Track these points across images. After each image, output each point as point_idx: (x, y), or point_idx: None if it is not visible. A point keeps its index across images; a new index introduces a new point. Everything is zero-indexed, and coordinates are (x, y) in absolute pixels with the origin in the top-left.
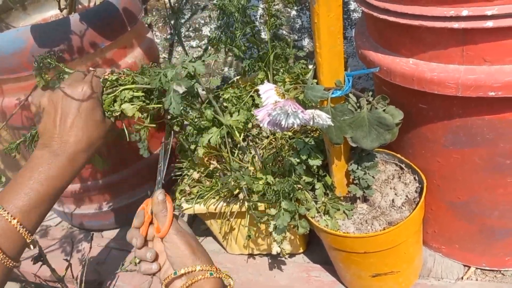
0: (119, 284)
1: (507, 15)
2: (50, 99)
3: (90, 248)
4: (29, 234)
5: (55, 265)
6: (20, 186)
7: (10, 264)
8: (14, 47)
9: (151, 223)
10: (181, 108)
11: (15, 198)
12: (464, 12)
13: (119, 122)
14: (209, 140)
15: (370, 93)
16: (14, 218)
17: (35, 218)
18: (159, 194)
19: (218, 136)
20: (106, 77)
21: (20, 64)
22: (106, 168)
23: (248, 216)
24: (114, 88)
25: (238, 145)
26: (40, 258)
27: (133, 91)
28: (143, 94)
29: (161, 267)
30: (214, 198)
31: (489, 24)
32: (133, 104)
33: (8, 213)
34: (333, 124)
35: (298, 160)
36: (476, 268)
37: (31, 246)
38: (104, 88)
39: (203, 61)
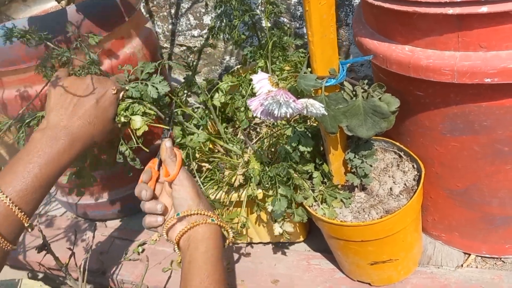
0: (122, 273)
1: (501, 0)
2: (73, 82)
3: (94, 237)
4: (27, 218)
5: (60, 255)
6: (19, 169)
7: (8, 247)
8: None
9: (157, 181)
10: None
11: (13, 181)
12: None
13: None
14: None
15: (366, 81)
16: (12, 202)
17: (33, 202)
18: (166, 141)
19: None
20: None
21: (18, 56)
22: (109, 159)
23: (245, 205)
24: (131, 99)
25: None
26: (45, 247)
27: (147, 109)
28: (154, 113)
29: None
30: (212, 188)
31: (484, 9)
32: (143, 119)
33: (6, 197)
34: (327, 113)
35: (291, 147)
36: (476, 256)
37: (29, 229)
38: (123, 94)
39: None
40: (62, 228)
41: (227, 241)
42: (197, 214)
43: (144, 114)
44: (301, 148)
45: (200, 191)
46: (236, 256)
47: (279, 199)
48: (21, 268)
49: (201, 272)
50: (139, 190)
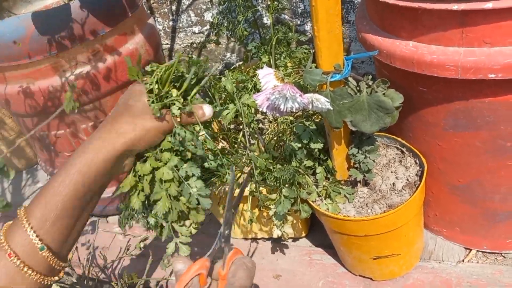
0: (124, 268)
1: None
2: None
3: (96, 233)
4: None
5: None
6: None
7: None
8: (15, 34)
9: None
10: None
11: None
12: None
13: None
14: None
15: (370, 77)
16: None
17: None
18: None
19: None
20: None
21: (21, 51)
22: None
23: (250, 201)
24: None
25: (243, 131)
26: None
27: None
28: None
29: None
30: (216, 183)
31: (489, 5)
32: None
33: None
34: (332, 108)
35: (299, 145)
36: (477, 251)
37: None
38: None
39: None
40: None
41: None
42: None
43: None
44: (312, 145)
45: None
46: None
47: (283, 201)
48: None
49: None
50: None
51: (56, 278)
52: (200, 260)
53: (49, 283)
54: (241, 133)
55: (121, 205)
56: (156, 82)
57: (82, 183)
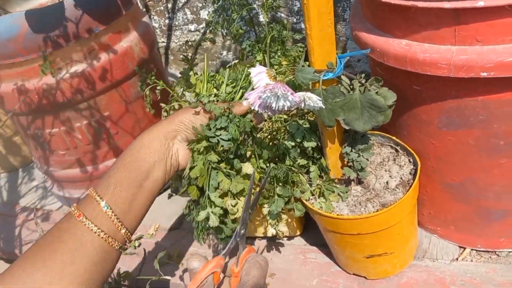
0: (118, 266)
1: None
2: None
3: None
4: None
5: None
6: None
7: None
8: (9, 32)
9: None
10: None
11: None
12: None
13: None
14: None
15: (363, 75)
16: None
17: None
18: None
19: None
20: None
21: (15, 49)
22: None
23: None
24: None
25: None
26: None
27: None
28: None
29: None
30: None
31: (481, 3)
32: None
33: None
34: (324, 107)
35: (292, 144)
36: (471, 249)
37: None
38: None
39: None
40: None
41: None
42: None
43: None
44: (306, 144)
45: None
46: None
47: (276, 200)
48: None
49: None
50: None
51: (123, 245)
52: (215, 258)
53: (117, 247)
54: None
55: (188, 217)
56: None
57: (135, 158)
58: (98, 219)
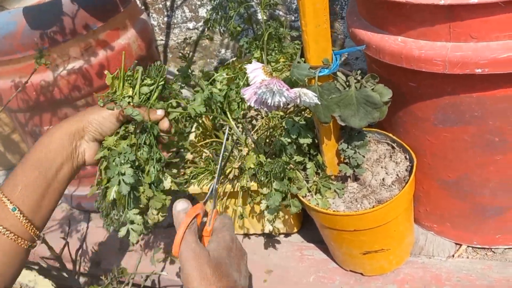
0: (117, 264)
1: None
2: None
3: (87, 228)
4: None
5: (54, 245)
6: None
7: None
8: (7, 29)
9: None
10: None
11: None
12: None
13: None
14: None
15: (359, 72)
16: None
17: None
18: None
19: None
20: None
21: (13, 46)
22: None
23: (241, 196)
24: None
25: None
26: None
27: None
28: None
29: None
30: (207, 179)
31: (474, 0)
32: None
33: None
34: (320, 103)
35: (289, 140)
36: (468, 246)
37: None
38: None
39: None
40: (57, 220)
41: None
42: None
43: None
44: (301, 140)
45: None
46: None
47: (274, 194)
48: None
49: None
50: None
51: (32, 244)
52: (198, 204)
53: (25, 246)
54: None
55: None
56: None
57: (44, 157)
58: (6, 221)
